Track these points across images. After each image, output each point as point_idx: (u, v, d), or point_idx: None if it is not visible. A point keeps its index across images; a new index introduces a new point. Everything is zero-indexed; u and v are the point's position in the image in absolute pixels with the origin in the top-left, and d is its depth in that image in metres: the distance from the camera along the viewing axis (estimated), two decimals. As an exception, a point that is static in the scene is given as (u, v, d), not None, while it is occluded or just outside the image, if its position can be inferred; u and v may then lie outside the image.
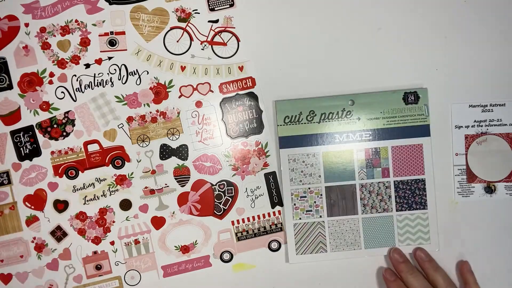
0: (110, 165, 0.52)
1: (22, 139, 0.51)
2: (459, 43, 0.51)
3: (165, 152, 0.52)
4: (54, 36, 0.51)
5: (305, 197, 0.51)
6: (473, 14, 0.51)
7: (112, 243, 0.52)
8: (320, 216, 0.51)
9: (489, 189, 0.51)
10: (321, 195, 0.51)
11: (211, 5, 0.51)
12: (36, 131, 0.51)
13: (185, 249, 0.52)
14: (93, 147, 0.52)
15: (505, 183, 0.50)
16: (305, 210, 0.51)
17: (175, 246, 0.52)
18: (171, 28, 0.51)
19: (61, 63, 0.51)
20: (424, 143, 0.51)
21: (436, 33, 0.51)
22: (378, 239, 0.51)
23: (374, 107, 0.51)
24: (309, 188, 0.51)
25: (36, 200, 0.52)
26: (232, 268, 0.52)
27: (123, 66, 0.51)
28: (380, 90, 0.51)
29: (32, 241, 0.52)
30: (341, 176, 0.51)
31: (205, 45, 0.52)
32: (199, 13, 0.51)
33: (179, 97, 0.52)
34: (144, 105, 0.52)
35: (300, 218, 0.51)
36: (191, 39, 0.52)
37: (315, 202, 0.51)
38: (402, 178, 0.51)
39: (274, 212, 0.52)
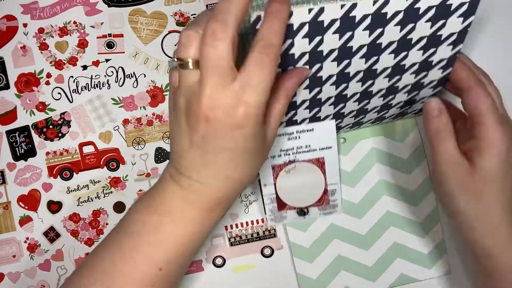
0: (105, 167, 0.52)
1: (18, 139, 0.51)
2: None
3: (160, 155, 0.52)
4: (52, 37, 0.51)
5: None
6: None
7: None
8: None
9: (302, 212, 0.50)
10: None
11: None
12: (32, 131, 0.51)
13: (177, 253, 0.52)
14: (88, 149, 0.52)
15: (317, 207, 0.50)
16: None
17: (168, 250, 0.52)
18: (169, 32, 0.52)
19: (59, 64, 0.51)
20: None
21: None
22: None
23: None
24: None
25: (30, 201, 0.52)
26: (232, 269, 0.52)
27: (120, 68, 0.51)
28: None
29: (25, 241, 0.52)
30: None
31: (202, 50, 0.52)
32: (197, 17, 0.51)
33: (176, 101, 0.52)
34: (141, 108, 0.52)
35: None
36: (189, 43, 0.52)
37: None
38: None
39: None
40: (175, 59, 0.32)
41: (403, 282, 0.51)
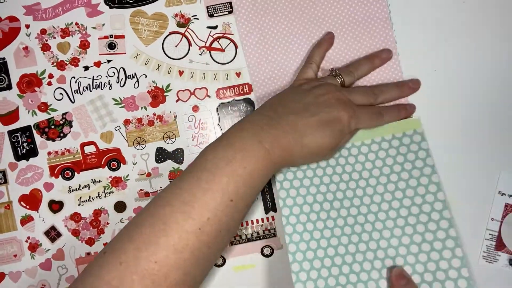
0: (106, 167, 0.52)
1: (20, 139, 0.52)
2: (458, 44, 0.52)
3: (161, 155, 0.52)
4: (54, 38, 0.52)
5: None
6: (472, 14, 0.51)
7: (106, 244, 0.52)
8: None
9: None
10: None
11: (210, 11, 0.52)
12: (34, 131, 0.52)
13: (178, 253, 0.52)
14: (89, 149, 0.52)
15: None
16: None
17: (168, 249, 0.52)
18: (170, 33, 0.52)
19: (61, 65, 0.52)
20: None
21: (435, 33, 0.52)
22: None
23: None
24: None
25: (32, 200, 0.52)
26: (232, 268, 0.52)
27: (121, 69, 0.52)
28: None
29: (26, 241, 0.52)
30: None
31: (203, 51, 0.52)
32: (198, 19, 0.52)
33: (176, 101, 0.52)
34: (142, 108, 0.52)
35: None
36: (190, 45, 0.52)
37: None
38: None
39: (267, 218, 0.52)
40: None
41: None
